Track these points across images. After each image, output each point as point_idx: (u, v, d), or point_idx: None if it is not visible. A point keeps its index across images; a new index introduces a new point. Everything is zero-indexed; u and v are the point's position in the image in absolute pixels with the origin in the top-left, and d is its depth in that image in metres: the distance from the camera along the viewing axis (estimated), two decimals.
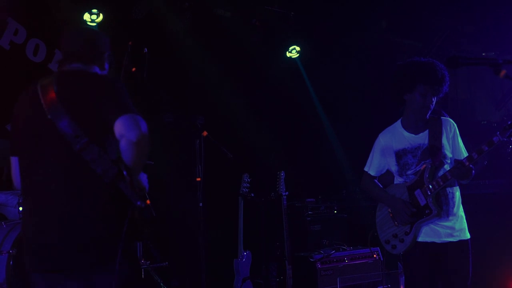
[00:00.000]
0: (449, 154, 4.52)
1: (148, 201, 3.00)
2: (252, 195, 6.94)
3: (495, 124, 8.55)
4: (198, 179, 6.39)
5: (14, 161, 3.32)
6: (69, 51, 3.41)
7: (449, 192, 4.50)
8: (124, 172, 2.94)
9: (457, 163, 4.29)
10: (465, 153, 4.52)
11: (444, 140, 4.53)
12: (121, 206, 2.97)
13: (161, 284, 6.23)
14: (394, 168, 4.65)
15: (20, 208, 5.61)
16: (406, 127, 4.64)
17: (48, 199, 3.08)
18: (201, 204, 6.45)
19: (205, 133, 6.32)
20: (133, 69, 5.72)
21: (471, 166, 4.26)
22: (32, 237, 3.13)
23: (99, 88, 3.15)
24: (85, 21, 6.98)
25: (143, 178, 3.19)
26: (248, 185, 6.87)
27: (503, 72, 3.23)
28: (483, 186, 7.41)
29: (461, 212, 4.56)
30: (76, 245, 2.99)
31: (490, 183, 7.53)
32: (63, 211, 3.02)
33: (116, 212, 3.01)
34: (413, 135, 4.59)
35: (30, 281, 3.20)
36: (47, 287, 3.11)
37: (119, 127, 2.94)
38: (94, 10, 6.98)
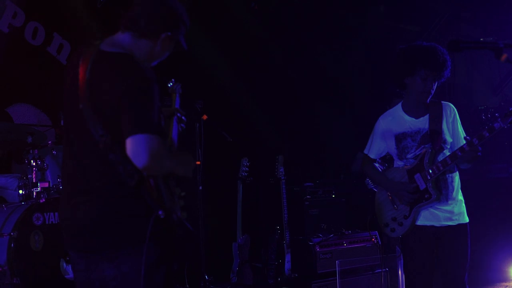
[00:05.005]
0: (449, 139, 4.54)
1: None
2: (251, 179, 6.96)
3: (492, 110, 8.57)
4: (198, 162, 6.42)
5: None
6: (126, 14, 3.17)
7: (448, 176, 4.52)
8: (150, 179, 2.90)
9: (467, 142, 4.29)
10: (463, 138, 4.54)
11: (444, 125, 4.54)
12: (145, 208, 2.93)
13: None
14: (393, 151, 4.67)
15: (20, 191, 5.65)
16: (406, 111, 4.64)
17: (78, 186, 3.07)
18: (200, 188, 6.48)
19: (205, 117, 6.34)
20: None
21: (479, 148, 4.27)
22: (64, 217, 3.16)
23: (127, 87, 2.91)
24: None
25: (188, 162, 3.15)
26: (247, 169, 6.88)
27: (504, 56, 3.23)
28: (492, 170, 7.43)
29: (460, 196, 4.59)
30: (105, 227, 2.99)
31: (497, 167, 7.55)
32: (91, 198, 3.01)
33: (141, 210, 2.97)
34: (414, 119, 4.60)
35: (70, 257, 3.21)
36: (83, 265, 3.13)
37: (128, 147, 2.84)
38: None
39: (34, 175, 5.64)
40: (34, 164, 5.65)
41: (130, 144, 2.83)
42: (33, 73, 6.95)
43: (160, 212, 2.87)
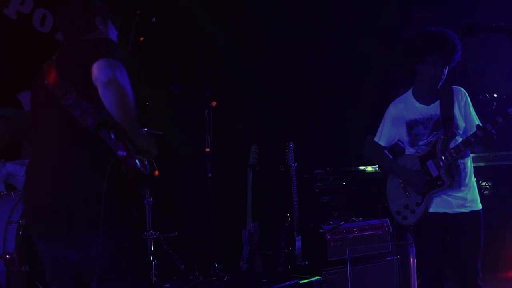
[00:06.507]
0: (461, 123, 4.49)
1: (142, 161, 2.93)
2: (261, 166, 6.92)
3: (505, 96, 8.52)
4: (207, 149, 6.40)
5: None
6: (62, 31, 3.40)
7: (461, 163, 4.48)
8: (112, 134, 2.89)
9: (480, 129, 4.24)
10: (477, 122, 4.49)
11: (456, 110, 4.49)
12: (105, 158, 2.90)
13: (172, 254, 6.24)
14: (405, 138, 4.63)
15: None
16: (417, 98, 4.60)
17: (39, 162, 3.15)
18: (210, 175, 6.46)
19: (214, 104, 6.31)
20: (141, 38, 5.68)
21: (493, 132, 4.21)
22: (27, 199, 3.22)
23: (89, 45, 3.16)
24: None
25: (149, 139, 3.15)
26: (257, 156, 6.85)
27: None
28: (503, 157, 7.35)
29: (473, 182, 4.54)
30: (63, 207, 3.00)
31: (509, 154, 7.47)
32: (50, 173, 3.06)
33: (99, 165, 2.94)
34: (425, 106, 4.55)
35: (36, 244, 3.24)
36: (45, 250, 3.16)
37: (94, 71, 2.89)
38: None
39: None
40: None
41: (95, 67, 2.90)
42: (42, 60, 6.91)
43: (120, 152, 2.83)
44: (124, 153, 2.82)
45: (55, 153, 3.08)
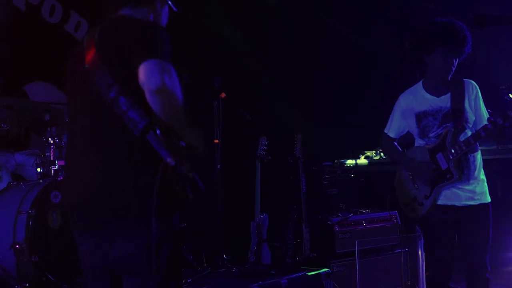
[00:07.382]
0: (471, 117, 4.47)
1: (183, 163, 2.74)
2: (269, 158, 6.91)
3: None
4: (216, 141, 6.38)
5: None
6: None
7: (470, 156, 4.47)
8: (157, 130, 2.72)
9: (491, 123, 4.22)
10: (486, 116, 4.47)
11: (467, 103, 4.47)
12: (152, 160, 2.75)
13: (181, 245, 6.24)
14: (414, 130, 4.62)
15: (38, 169, 5.65)
16: (427, 89, 4.59)
17: (78, 156, 2.99)
18: (218, 166, 6.45)
19: (223, 95, 6.29)
20: None
21: (506, 124, 4.18)
22: (67, 193, 3.08)
23: (137, 34, 2.88)
24: None
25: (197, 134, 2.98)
26: (265, 147, 6.82)
27: None
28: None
29: (482, 175, 4.54)
30: (106, 202, 2.86)
31: None
32: (91, 166, 2.90)
33: (146, 166, 2.80)
34: (435, 97, 4.54)
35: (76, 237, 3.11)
36: (83, 243, 3.05)
37: (140, 73, 2.67)
38: None
39: (52, 153, 5.63)
40: (52, 141, 5.65)
41: (142, 70, 2.68)
42: (50, 51, 6.93)
43: (169, 159, 2.67)
44: (173, 163, 2.67)
45: (95, 147, 2.91)
